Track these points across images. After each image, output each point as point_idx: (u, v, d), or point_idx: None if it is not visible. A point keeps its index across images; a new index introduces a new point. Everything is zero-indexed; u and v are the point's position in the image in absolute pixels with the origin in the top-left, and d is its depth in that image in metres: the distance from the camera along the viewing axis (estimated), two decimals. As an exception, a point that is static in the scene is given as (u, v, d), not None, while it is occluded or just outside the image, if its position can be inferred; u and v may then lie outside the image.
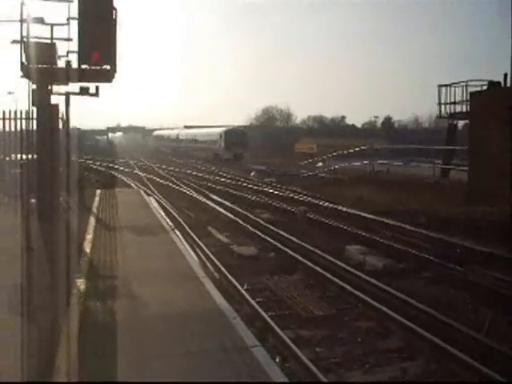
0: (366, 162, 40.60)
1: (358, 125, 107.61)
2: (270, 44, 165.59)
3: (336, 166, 44.78)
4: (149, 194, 26.95)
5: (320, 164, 53.33)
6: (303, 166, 51.74)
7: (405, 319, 9.55)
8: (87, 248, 12.52)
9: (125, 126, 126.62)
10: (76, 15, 14.29)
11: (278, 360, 7.85)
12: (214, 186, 33.76)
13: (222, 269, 13.04)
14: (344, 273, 13.01)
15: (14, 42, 26.87)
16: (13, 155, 17.49)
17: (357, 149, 45.86)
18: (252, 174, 44.80)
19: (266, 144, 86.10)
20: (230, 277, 12.34)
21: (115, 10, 14.52)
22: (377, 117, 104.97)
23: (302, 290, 11.98)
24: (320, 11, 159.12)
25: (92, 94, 15.36)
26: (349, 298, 11.29)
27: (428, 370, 8.07)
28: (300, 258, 14.30)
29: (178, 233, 15.82)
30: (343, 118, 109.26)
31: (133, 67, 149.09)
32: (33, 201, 12.10)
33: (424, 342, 8.73)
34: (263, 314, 9.89)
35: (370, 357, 8.46)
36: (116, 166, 48.51)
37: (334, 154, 51.97)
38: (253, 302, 10.54)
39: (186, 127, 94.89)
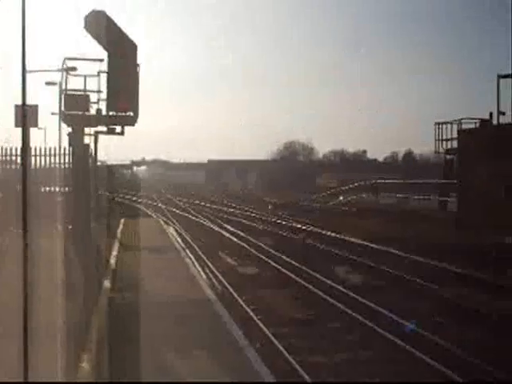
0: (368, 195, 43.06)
1: (380, 159, 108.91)
2: (291, 79, 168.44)
3: (348, 199, 47.07)
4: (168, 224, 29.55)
5: (341, 198, 54.80)
6: (319, 200, 53.59)
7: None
8: (112, 261, 15.16)
9: (149, 160, 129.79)
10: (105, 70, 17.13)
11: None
12: (229, 217, 36.35)
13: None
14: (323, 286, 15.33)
15: (48, 83, 29.93)
16: (47, 188, 20.01)
17: (361, 183, 48.20)
18: (269, 207, 47.04)
19: (289, 178, 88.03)
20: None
21: (138, 65, 17.36)
22: (395, 152, 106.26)
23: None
24: (343, 47, 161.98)
25: (118, 133, 18.15)
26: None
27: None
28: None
29: (188, 252, 18.32)
30: (364, 152, 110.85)
31: (156, 105, 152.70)
32: (69, 227, 14.82)
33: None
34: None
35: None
36: (139, 200, 51.25)
37: (348, 187, 54.08)
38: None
39: None
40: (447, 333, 10.85)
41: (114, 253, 16.92)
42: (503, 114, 26.57)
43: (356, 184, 53.34)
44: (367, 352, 10.10)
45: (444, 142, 32.38)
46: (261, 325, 11.39)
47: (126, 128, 18.00)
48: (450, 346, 9.96)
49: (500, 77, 27.38)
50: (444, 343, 10.11)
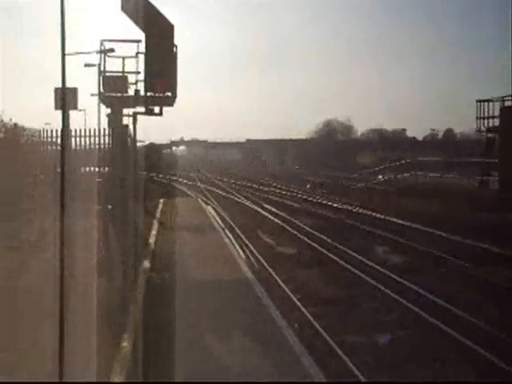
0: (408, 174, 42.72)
1: (419, 137, 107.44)
2: (334, 59, 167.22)
3: (388, 178, 46.72)
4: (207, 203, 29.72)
5: (380, 176, 54.28)
6: (358, 178, 53.21)
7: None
8: (151, 240, 15.34)
9: (188, 140, 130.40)
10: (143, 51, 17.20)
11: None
12: (267, 196, 36.42)
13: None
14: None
15: (86, 65, 30.23)
16: (86, 168, 20.29)
17: (402, 162, 47.74)
18: (308, 186, 46.93)
19: (327, 157, 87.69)
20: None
21: (176, 46, 17.39)
22: (434, 129, 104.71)
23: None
24: (382, 27, 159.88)
25: (156, 114, 18.25)
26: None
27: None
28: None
29: (227, 232, 18.41)
30: (404, 130, 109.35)
31: (194, 86, 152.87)
32: (109, 206, 14.99)
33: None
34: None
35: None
36: (178, 179, 51.56)
37: (386, 165, 53.61)
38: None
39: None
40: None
41: (154, 232, 17.12)
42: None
43: (396, 163, 52.79)
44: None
45: (486, 120, 31.81)
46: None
47: (165, 108, 18.10)
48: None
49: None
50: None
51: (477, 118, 32.10)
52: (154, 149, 62.60)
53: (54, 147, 16.06)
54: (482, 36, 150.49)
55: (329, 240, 19.16)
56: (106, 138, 16.33)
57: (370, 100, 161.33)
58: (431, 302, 11.73)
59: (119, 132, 16.72)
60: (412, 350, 9.27)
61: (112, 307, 8.08)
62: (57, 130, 15.24)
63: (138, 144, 22.71)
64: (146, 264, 12.54)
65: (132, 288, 9.65)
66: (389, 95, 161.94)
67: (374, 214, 25.72)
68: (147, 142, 74.74)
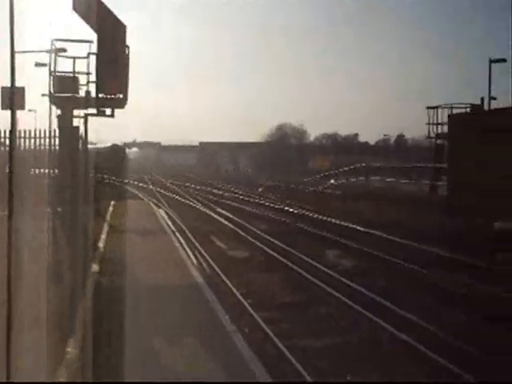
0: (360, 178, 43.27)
1: (372, 142, 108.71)
2: (286, 63, 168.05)
3: (340, 182, 47.19)
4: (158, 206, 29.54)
5: (332, 181, 54.71)
6: (310, 183, 53.60)
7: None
8: (101, 244, 15.15)
9: (140, 142, 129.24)
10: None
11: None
12: (218, 199, 36.46)
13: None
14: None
15: (37, 64, 29.68)
16: (36, 170, 19.92)
17: (355, 166, 48.34)
18: (260, 189, 47.07)
19: (280, 161, 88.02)
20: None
21: (128, 47, 17.19)
22: (386, 135, 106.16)
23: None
24: (338, 33, 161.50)
25: (108, 116, 18.00)
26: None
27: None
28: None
29: (179, 236, 18.33)
30: (356, 135, 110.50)
31: (147, 88, 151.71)
32: (59, 209, 14.76)
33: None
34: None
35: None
36: (130, 181, 51.05)
37: (339, 170, 54.12)
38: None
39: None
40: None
41: (103, 236, 16.90)
42: (494, 99, 26.67)
43: (347, 167, 53.32)
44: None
45: (435, 127, 32.40)
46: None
47: (117, 110, 17.87)
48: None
49: (492, 62, 27.44)
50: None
51: (427, 124, 32.69)
52: (117, 150, 61.84)
53: (1, 148, 15.76)
54: (435, 42, 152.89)
55: (280, 244, 19.24)
56: (56, 139, 16.14)
57: (323, 105, 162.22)
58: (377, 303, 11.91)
59: (69, 133, 16.48)
60: (361, 351, 9.35)
61: (59, 311, 7.93)
62: (5, 131, 14.96)
63: (98, 146, 22.52)
64: (95, 268, 12.33)
65: (79, 292, 9.48)
66: (342, 101, 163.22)
67: (324, 218, 25.99)
68: (110, 144, 73.85)
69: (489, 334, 10.19)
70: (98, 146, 71.58)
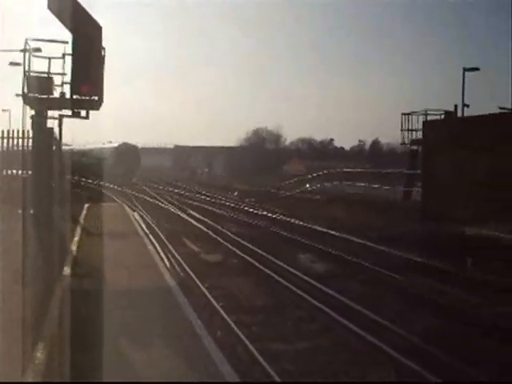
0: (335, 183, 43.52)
1: (347, 147, 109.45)
2: (264, 67, 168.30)
3: (315, 187, 47.32)
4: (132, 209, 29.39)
5: (307, 185, 54.68)
6: (286, 187, 53.55)
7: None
8: (73, 247, 15.03)
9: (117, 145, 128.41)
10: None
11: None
12: (194, 203, 36.39)
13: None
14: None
15: (11, 63, 29.39)
16: (9, 171, 19.68)
17: (330, 171, 48.54)
18: (235, 193, 47.05)
19: (255, 165, 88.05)
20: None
21: (104, 48, 17.08)
22: (361, 141, 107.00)
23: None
24: (312, 40, 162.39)
25: (83, 117, 17.83)
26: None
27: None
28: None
29: (152, 239, 18.26)
30: (331, 140, 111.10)
31: (124, 90, 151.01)
32: (31, 211, 14.58)
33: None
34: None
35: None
36: (105, 184, 50.70)
37: (314, 175, 54.20)
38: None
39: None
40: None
41: (76, 238, 16.77)
42: (467, 106, 27.00)
43: (323, 172, 53.45)
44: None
45: (410, 133, 32.65)
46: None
47: (92, 112, 17.73)
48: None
49: (465, 70, 27.77)
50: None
51: (402, 130, 32.90)
52: (80, 153, 61.09)
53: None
54: (410, 49, 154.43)
55: (253, 247, 19.26)
56: (30, 140, 15.96)
57: (299, 110, 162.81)
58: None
59: (43, 134, 16.32)
60: (332, 354, 9.40)
61: (27, 313, 7.84)
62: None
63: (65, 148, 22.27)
64: (67, 270, 12.21)
65: (49, 295, 9.38)
66: (318, 106, 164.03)
67: (297, 222, 26.12)
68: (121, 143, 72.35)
69: (451, 336, 10.38)
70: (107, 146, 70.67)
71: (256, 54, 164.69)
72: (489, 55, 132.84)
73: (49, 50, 17.50)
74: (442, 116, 30.21)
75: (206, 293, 13.03)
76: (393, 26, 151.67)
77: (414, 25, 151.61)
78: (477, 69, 29.55)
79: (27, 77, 16.79)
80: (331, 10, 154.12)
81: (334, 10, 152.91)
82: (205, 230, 23.99)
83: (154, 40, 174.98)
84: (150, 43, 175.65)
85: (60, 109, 17.49)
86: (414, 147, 33.05)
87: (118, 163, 63.25)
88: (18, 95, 17.61)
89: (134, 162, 68.22)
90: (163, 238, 20.72)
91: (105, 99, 17.24)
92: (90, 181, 50.50)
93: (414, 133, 32.25)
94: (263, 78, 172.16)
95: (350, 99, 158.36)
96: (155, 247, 17.81)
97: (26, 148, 16.18)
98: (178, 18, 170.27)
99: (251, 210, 32.40)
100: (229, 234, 22.62)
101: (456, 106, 27.62)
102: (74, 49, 16.63)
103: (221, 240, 21.33)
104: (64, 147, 22.16)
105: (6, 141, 18.48)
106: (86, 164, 52.39)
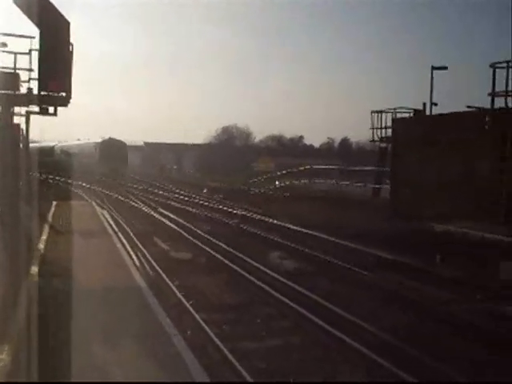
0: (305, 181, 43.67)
1: (316, 145, 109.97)
2: (233, 64, 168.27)
3: (284, 184, 47.44)
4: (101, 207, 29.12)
5: (277, 183, 54.91)
6: (255, 184, 53.67)
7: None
8: (41, 245, 14.82)
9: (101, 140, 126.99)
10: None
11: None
12: (163, 200, 36.20)
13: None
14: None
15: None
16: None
17: (300, 168, 48.74)
18: (204, 190, 46.96)
19: (225, 162, 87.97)
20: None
21: (72, 44, 16.86)
22: (330, 138, 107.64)
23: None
24: (282, 36, 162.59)
25: (51, 114, 17.60)
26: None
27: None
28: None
29: (121, 237, 18.12)
30: (301, 137, 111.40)
31: (92, 86, 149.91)
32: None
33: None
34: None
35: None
36: (73, 182, 50.21)
37: (283, 172, 54.40)
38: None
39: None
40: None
41: (44, 236, 16.54)
42: (435, 104, 27.21)
43: (292, 169, 53.64)
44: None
45: (379, 131, 32.81)
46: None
47: (60, 109, 17.51)
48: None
49: (434, 68, 28.00)
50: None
51: (371, 128, 33.04)
52: (48, 150, 60.07)
53: None
54: (379, 47, 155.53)
55: (223, 245, 19.23)
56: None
57: (269, 107, 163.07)
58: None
59: (9, 131, 16.07)
60: (303, 353, 9.42)
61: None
62: None
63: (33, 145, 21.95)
64: (34, 269, 12.02)
65: (16, 294, 9.22)
66: (288, 103, 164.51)
67: (266, 219, 26.19)
68: (106, 138, 69.12)
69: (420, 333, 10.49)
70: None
71: (225, 51, 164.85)
72: (458, 54, 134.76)
73: (15, 45, 17.26)
74: (411, 114, 30.39)
75: (176, 291, 13.00)
76: (364, 24, 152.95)
77: (386, 22, 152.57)
78: (445, 67, 29.76)
79: (-7, 72, 16.53)
80: (303, 7, 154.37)
81: (306, 6, 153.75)
82: (174, 227, 23.89)
83: (123, 40, 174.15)
84: (118, 44, 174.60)
85: (27, 105, 17.25)
86: (383, 145, 33.27)
87: (102, 161, 59.76)
88: (-18, 91, 17.33)
89: (121, 160, 63.75)
90: (133, 236, 20.60)
91: (74, 96, 17.08)
92: (58, 178, 49.94)
93: (383, 130, 32.42)
94: (233, 75, 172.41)
95: (320, 97, 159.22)
96: (124, 246, 17.65)
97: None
98: (143, 12, 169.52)
99: (219, 207, 32.35)
100: (197, 231, 22.54)
101: (425, 105, 27.82)
102: (41, 44, 16.39)
103: (189, 237, 21.29)
104: (32, 144, 21.90)
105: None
106: (55, 161, 51.46)
